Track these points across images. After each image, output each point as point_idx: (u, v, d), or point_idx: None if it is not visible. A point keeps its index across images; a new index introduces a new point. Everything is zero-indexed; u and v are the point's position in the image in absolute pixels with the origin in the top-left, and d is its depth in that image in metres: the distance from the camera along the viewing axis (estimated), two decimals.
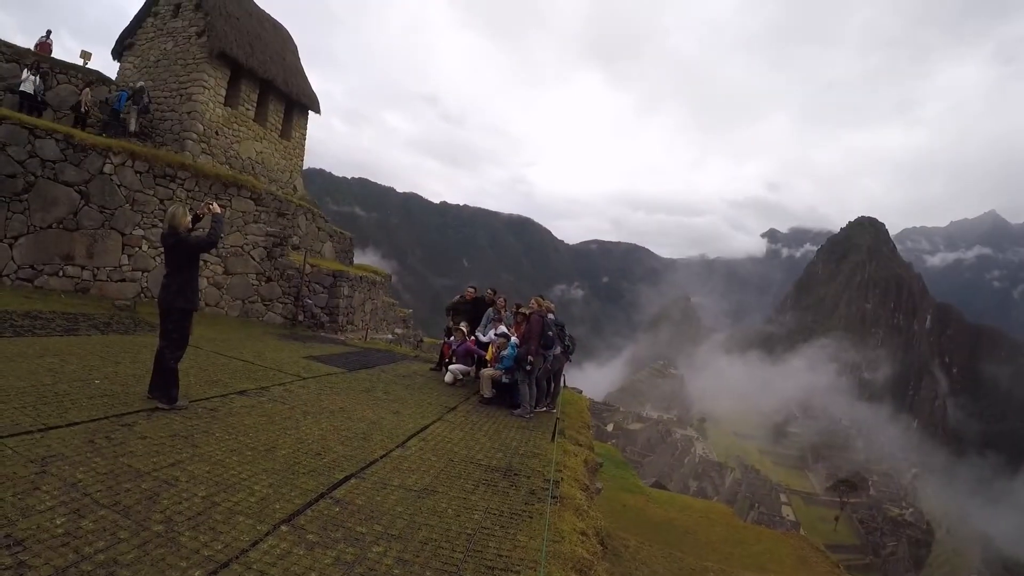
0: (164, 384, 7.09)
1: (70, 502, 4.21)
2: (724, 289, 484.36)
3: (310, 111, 27.92)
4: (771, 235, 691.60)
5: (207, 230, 7.40)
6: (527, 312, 10.79)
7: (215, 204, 7.50)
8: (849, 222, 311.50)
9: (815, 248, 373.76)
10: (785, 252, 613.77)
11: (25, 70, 18.22)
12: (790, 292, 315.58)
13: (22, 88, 17.98)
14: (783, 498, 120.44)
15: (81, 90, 19.42)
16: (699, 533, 19.47)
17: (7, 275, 14.08)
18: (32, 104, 18.17)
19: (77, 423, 5.93)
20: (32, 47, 21.51)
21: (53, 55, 21.52)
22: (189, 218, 7.30)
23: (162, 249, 7.47)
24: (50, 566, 3.40)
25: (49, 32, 22.34)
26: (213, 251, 17.44)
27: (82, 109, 18.86)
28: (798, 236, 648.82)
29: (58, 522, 3.90)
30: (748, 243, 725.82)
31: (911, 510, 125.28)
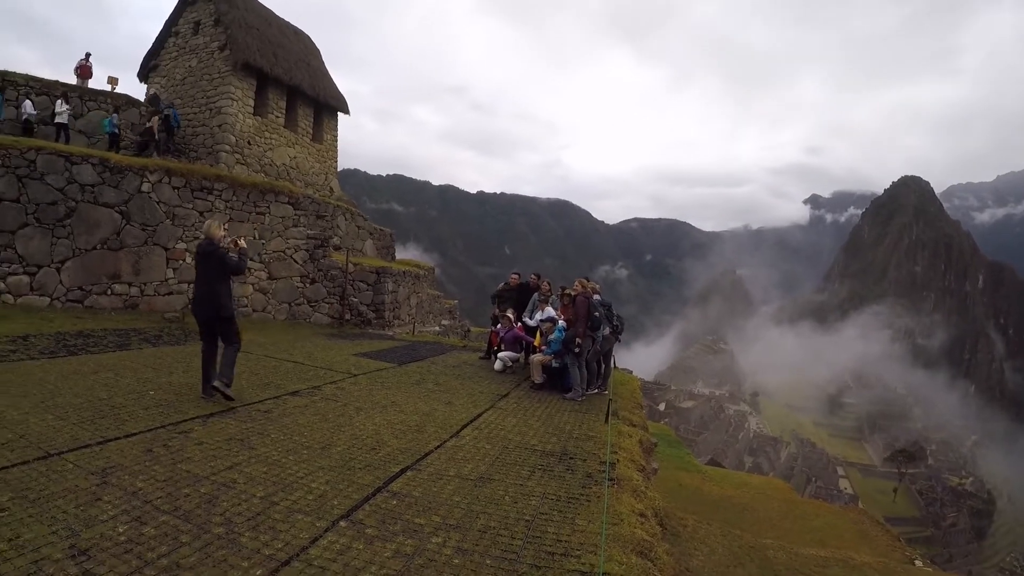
0: (226, 365, 7.75)
1: (131, 510, 4.25)
2: (771, 259, 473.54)
3: (339, 113, 28.10)
4: (814, 201, 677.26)
5: (236, 260, 7.92)
6: (572, 294, 10.68)
7: (242, 240, 8.09)
8: (892, 182, 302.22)
9: (859, 211, 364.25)
10: (829, 217, 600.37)
11: (59, 101, 18.75)
12: (838, 258, 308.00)
13: (57, 120, 18.53)
14: (840, 471, 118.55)
15: (150, 118, 20.24)
16: (757, 510, 19.19)
17: (57, 298, 14.50)
18: (113, 140, 19.20)
19: (134, 434, 6.02)
20: (73, 70, 22.31)
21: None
22: (223, 231, 7.84)
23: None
24: (115, 573, 3.42)
25: (88, 55, 22.95)
26: (256, 258, 17.83)
27: (155, 135, 19.68)
28: (841, 200, 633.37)
29: (120, 530, 3.93)
30: (791, 210, 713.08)
31: (971, 479, 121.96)
